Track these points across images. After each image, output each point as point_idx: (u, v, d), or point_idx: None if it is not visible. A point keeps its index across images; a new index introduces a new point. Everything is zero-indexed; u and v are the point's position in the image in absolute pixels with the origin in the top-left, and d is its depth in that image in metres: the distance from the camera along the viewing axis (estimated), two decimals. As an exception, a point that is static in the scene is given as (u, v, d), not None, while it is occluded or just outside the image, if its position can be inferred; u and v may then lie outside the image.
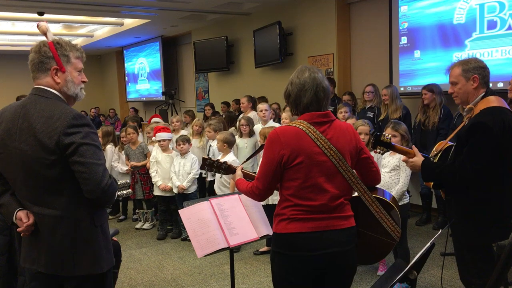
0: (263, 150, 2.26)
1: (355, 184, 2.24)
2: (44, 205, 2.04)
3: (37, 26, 2.15)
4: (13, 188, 2.14)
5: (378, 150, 2.87)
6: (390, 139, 2.81)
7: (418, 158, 2.74)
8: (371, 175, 2.36)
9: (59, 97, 2.07)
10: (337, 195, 2.18)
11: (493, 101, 2.60)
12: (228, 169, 2.74)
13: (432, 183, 2.84)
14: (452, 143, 2.83)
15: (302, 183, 2.14)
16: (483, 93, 2.65)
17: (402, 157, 2.91)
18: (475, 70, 2.63)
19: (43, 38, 2.12)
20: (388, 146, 2.81)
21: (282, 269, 2.22)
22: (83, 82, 2.17)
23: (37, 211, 2.05)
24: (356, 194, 2.31)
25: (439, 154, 2.85)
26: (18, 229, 2.07)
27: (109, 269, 2.18)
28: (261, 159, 2.29)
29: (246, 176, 2.60)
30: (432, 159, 2.86)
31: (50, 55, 2.05)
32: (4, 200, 2.13)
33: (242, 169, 2.66)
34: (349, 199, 2.27)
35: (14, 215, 2.07)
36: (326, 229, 2.15)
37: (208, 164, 2.76)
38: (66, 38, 2.20)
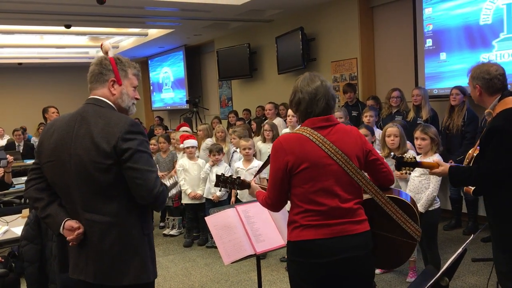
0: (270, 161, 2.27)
1: (366, 186, 2.20)
2: (96, 212, 2.05)
3: (101, 45, 2.29)
4: (62, 197, 2.16)
5: (404, 171, 2.83)
6: (414, 158, 2.78)
7: (444, 167, 2.76)
8: (382, 176, 2.33)
9: (113, 107, 2.15)
10: (347, 198, 2.16)
11: (511, 102, 2.62)
12: (242, 184, 2.72)
13: (473, 189, 2.81)
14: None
15: (310, 188, 2.13)
16: (499, 96, 2.66)
17: (432, 160, 2.89)
18: (478, 80, 2.68)
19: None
20: (413, 165, 2.78)
21: (299, 276, 2.21)
22: (136, 98, 2.28)
23: (88, 217, 2.07)
24: (368, 196, 2.27)
25: (471, 162, 2.82)
26: (68, 238, 2.07)
27: (154, 280, 2.18)
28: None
29: (262, 189, 2.58)
30: None
31: (110, 68, 2.16)
32: (52, 211, 2.15)
33: (255, 182, 2.67)
34: (362, 203, 2.23)
35: (62, 225, 2.09)
36: (340, 235, 2.13)
37: (222, 181, 2.75)
38: (93, 50, 2.27)
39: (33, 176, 2.20)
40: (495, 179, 2.57)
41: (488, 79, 2.65)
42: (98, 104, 2.12)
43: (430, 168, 2.82)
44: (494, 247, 2.74)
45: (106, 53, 2.21)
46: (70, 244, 2.10)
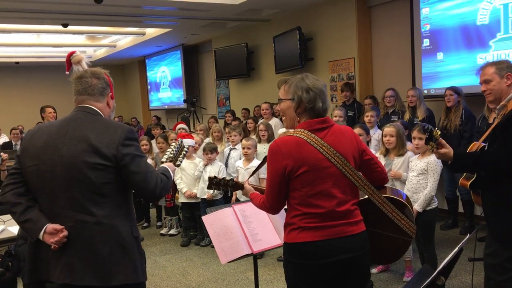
0: (266, 163, 2.25)
1: (363, 186, 2.22)
2: (86, 212, 2.06)
3: (70, 55, 2.41)
4: (42, 202, 2.13)
5: (430, 146, 2.76)
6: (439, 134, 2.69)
7: (449, 150, 2.69)
8: (377, 175, 2.34)
9: (103, 117, 2.23)
10: (345, 200, 2.17)
11: None
12: (235, 186, 2.70)
13: (469, 183, 2.80)
14: (485, 144, 2.81)
15: (309, 191, 2.13)
16: None
17: (430, 160, 2.85)
18: (508, 69, 2.74)
19: (69, 49, 2.23)
20: (435, 142, 2.69)
21: (297, 277, 2.21)
22: None
23: (78, 218, 2.06)
24: (365, 196, 2.28)
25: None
26: (51, 240, 2.04)
27: (144, 281, 2.20)
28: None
29: (256, 189, 2.57)
30: None
31: (107, 82, 2.27)
32: (32, 215, 2.10)
33: (248, 183, 2.64)
34: (357, 203, 2.24)
35: (44, 229, 2.06)
36: (337, 236, 2.14)
37: (215, 183, 2.72)
38: (90, 49, 2.32)
39: (11, 180, 2.16)
40: (503, 169, 2.55)
41: None
42: (90, 112, 2.19)
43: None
44: (494, 240, 2.71)
45: (78, 63, 2.35)
46: (52, 247, 2.06)
